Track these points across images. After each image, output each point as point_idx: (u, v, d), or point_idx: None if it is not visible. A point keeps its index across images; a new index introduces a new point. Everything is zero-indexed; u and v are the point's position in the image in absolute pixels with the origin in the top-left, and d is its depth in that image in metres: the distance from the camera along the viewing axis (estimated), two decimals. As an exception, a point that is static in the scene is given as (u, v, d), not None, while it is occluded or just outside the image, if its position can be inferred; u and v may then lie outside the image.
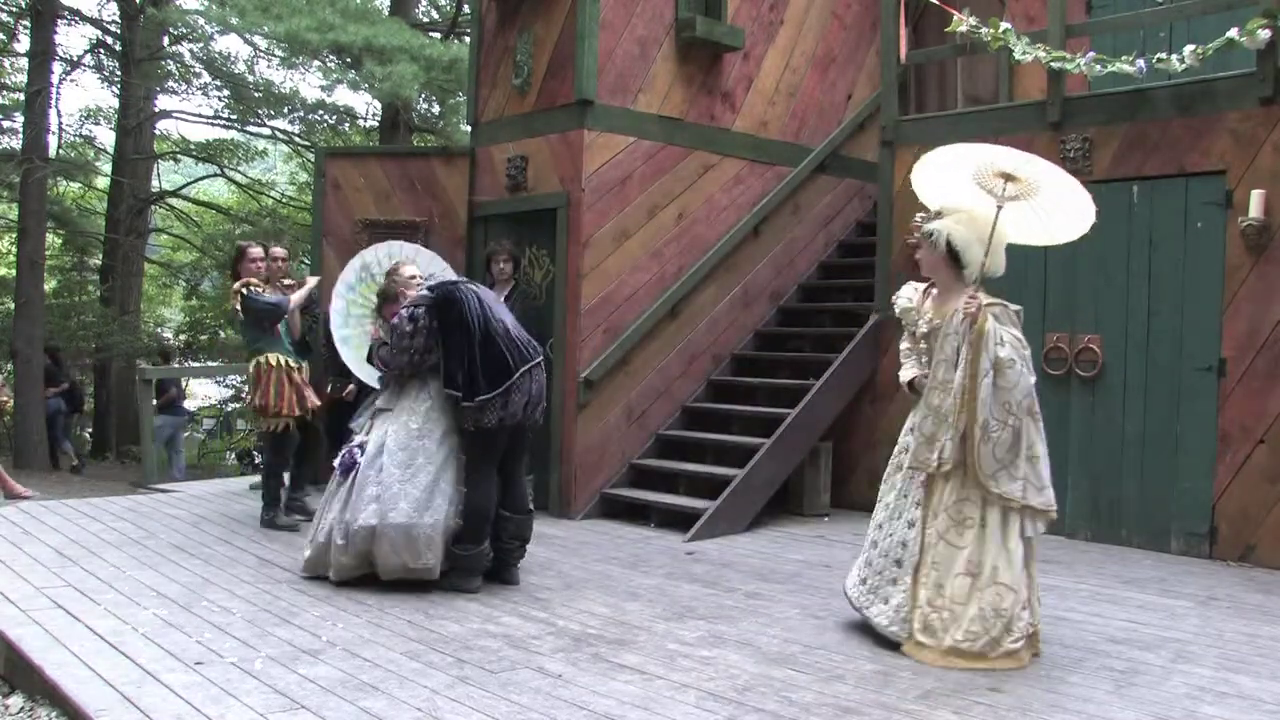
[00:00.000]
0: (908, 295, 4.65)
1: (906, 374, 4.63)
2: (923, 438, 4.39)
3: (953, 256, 4.39)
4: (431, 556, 5.16)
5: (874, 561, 4.57)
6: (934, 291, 4.53)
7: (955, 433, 4.26)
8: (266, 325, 6.71)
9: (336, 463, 5.41)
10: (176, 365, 14.51)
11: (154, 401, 14.67)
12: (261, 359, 6.67)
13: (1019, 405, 4.24)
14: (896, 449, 4.65)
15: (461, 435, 5.32)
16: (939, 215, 4.52)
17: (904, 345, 4.69)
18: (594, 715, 3.57)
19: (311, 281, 7.43)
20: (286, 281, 7.46)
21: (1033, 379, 4.31)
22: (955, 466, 4.30)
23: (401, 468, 5.16)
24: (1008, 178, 4.36)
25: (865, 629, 4.67)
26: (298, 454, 7.07)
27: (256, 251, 6.88)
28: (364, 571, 5.21)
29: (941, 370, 4.35)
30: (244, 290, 6.64)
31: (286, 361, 6.73)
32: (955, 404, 4.26)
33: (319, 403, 7.06)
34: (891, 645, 4.41)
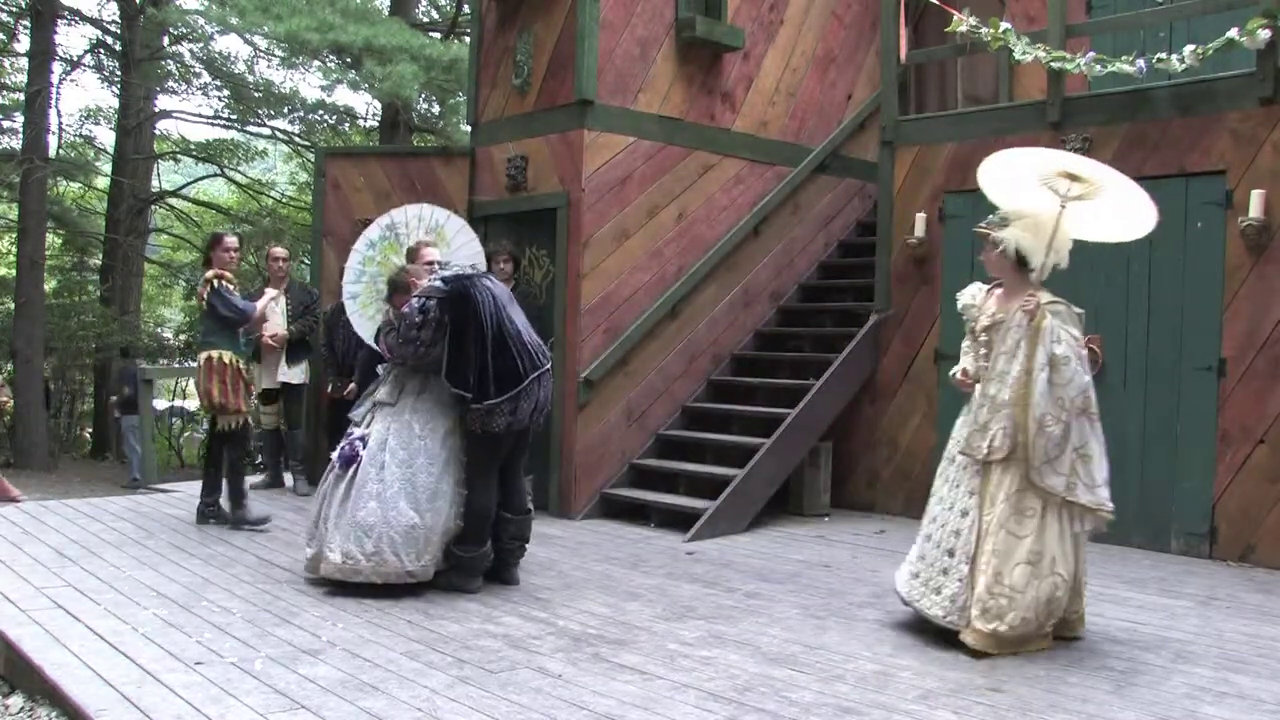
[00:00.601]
0: (971, 293, 4.79)
1: (957, 367, 4.77)
2: (976, 425, 4.51)
3: (1020, 262, 4.55)
4: (429, 558, 5.13)
5: (927, 554, 4.61)
6: (998, 291, 4.67)
7: (1010, 424, 4.37)
8: (229, 326, 6.68)
9: (336, 454, 5.34)
10: (138, 363, 14.47)
11: (113, 398, 14.69)
12: (215, 355, 6.60)
13: (1072, 403, 4.34)
14: (950, 442, 4.72)
15: (464, 436, 5.28)
16: (1004, 222, 4.62)
17: (964, 343, 4.80)
18: (594, 715, 3.57)
19: (271, 292, 7.49)
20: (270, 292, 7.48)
21: (1088, 378, 4.41)
22: (1015, 457, 4.37)
23: (403, 467, 5.11)
24: (1072, 178, 4.50)
25: (865, 628, 4.68)
26: (216, 459, 7.01)
27: (232, 241, 6.86)
28: (357, 571, 5.02)
29: (1001, 362, 4.47)
30: (215, 284, 6.59)
31: (237, 360, 6.70)
32: (1010, 395, 4.38)
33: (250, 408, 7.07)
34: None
